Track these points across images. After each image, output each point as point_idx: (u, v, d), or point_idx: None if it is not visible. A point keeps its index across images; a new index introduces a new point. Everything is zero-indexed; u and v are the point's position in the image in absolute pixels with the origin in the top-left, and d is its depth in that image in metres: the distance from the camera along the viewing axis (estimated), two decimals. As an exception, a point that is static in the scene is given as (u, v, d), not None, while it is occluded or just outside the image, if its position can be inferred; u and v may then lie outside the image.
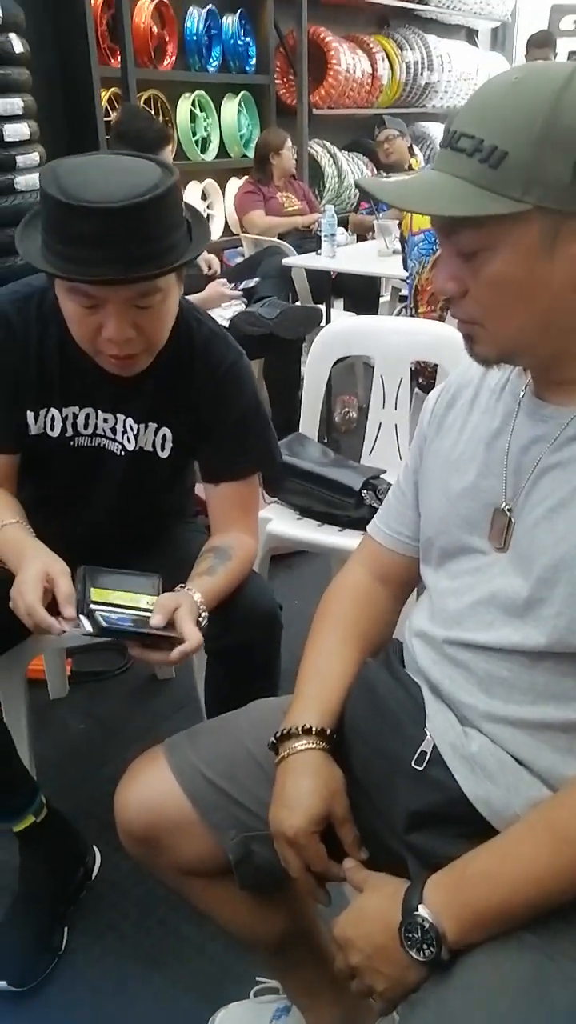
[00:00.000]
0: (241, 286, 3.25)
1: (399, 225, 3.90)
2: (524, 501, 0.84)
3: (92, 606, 1.09)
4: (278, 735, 0.94)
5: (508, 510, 0.86)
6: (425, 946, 0.76)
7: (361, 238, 4.67)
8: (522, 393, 0.87)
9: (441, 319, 2.57)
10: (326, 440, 3.46)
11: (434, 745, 0.86)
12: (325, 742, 0.92)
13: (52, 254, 1.06)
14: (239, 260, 3.83)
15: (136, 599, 1.13)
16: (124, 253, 1.03)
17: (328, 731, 0.93)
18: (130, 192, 1.02)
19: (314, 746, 0.91)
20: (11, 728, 1.38)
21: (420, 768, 0.86)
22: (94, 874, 1.54)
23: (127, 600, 1.12)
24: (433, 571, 0.95)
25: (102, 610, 1.09)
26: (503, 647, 0.84)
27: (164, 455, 1.32)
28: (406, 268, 2.93)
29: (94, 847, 1.56)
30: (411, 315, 2.78)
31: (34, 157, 3.58)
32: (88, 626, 1.05)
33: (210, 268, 3.60)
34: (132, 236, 1.03)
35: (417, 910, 0.76)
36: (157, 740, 1.06)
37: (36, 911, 1.41)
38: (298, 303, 3.64)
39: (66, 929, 1.45)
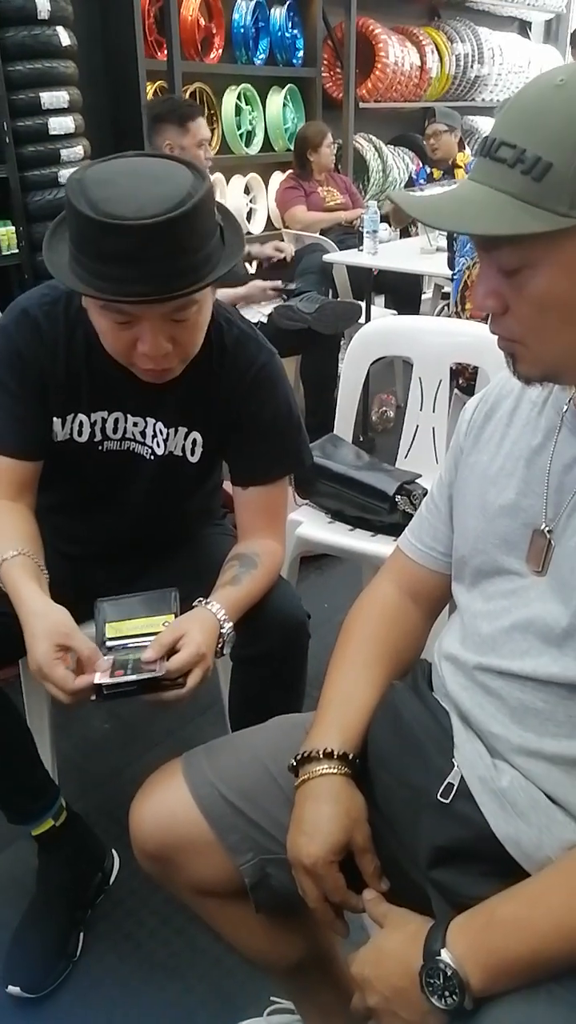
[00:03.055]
0: (281, 285, 3.20)
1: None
2: (566, 523, 0.79)
3: (108, 643, 1.06)
4: (298, 757, 0.90)
5: (548, 532, 0.81)
6: (447, 993, 0.71)
7: (404, 233, 4.59)
8: (565, 408, 0.82)
9: (487, 319, 2.50)
10: (362, 439, 3.41)
11: (461, 777, 0.82)
12: (347, 767, 0.88)
13: (84, 270, 1.02)
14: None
15: (152, 623, 1.10)
16: (160, 269, 0.99)
17: (351, 756, 0.89)
18: (163, 204, 0.97)
19: (335, 771, 0.88)
20: (34, 730, 1.37)
21: (446, 801, 0.81)
22: (112, 879, 1.53)
23: (143, 627, 1.09)
24: (466, 591, 0.91)
25: (117, 647, 1.07)
26: (539, 677, 0.79)
27: (194, 460, 1.29)
28: (451, 267, 2.86)
29: (113, 851, 1.54)
30: (457, 312, 2.71)
31: (78, 151, 3.58)
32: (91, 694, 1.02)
33: (282, 252, 3.54)
34: (167, 251, 0.98)
35: (440, 954, 0.72)
36: (180, 743, 1.04)
37: (52, 915, 1.40)
38: (338, 299, 3.58)
39: (82, 934, 1.43)
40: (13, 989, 1.32)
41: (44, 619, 1.05)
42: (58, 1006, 1.34)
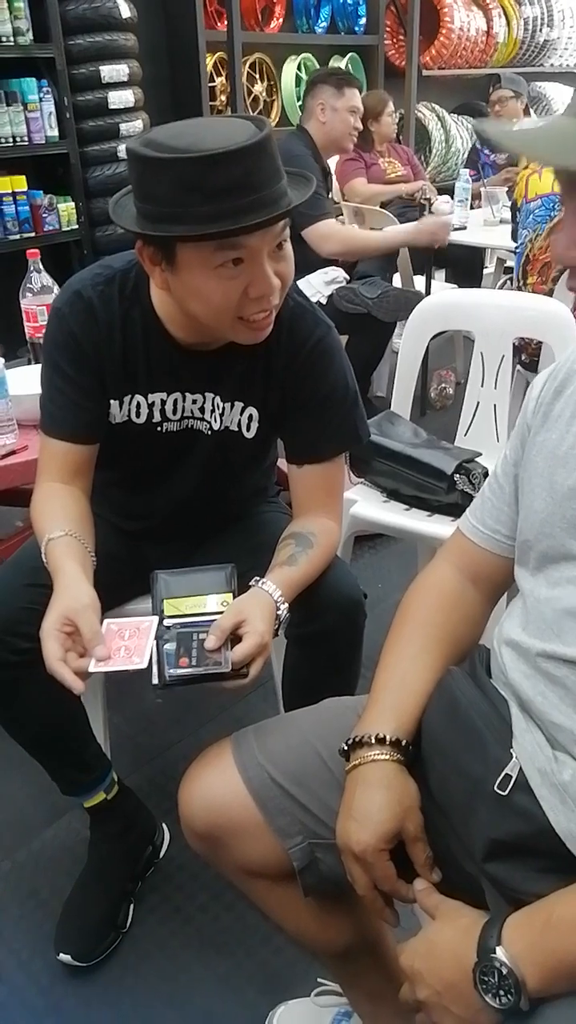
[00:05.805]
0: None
1: (509, 193, 3.70)
2: None
3: (166, 620, 1.05)
4: (350, 742, 0.88)
5: (620, 515, 0.76)
6: (502, 992, 0.69)
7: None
8: None
9: (550, 293, 2.41)
10: (421, 415, 3.34)
11: (520, 769, 0.78)
12: (400, 754, 0.86)
13: (189, 223, 0.99)
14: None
15: (211, 602, 1.08)
16: (267, 191, 0.99)
17: (404, 742, 0.86)
18: (245, 133, 0.98)
19: (388, 757, 0.85)
20: (87, 704, 1.37)
21: (503, 793, 0.78)
22: (162, 852, 1.54)
23: (201, 605, 1.07)
24: (530, 575, 0.86)
25: (175, 625, 1.05)
26: (606, 667, 0.75)
27: (250, 435, 1.27)
28: (515, 239, 2.77)
29: (163, 825, 1.55)
30: (518, 287, 2.62)
31: (138, 124, 3.56)
32: (155, 678, 1.00)
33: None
34: (268, 173, 1.00)
35: (495, 952, 0.69)
36: (232, 719, 1.02)
37: (103, 887, 1.41)
38: (399, 286, 3.49)
39: (132, 907, 1.44)
40: (64, 957, 1.34)
41: (67, 596, 1.04)
42: (107, 976, 1.35)
